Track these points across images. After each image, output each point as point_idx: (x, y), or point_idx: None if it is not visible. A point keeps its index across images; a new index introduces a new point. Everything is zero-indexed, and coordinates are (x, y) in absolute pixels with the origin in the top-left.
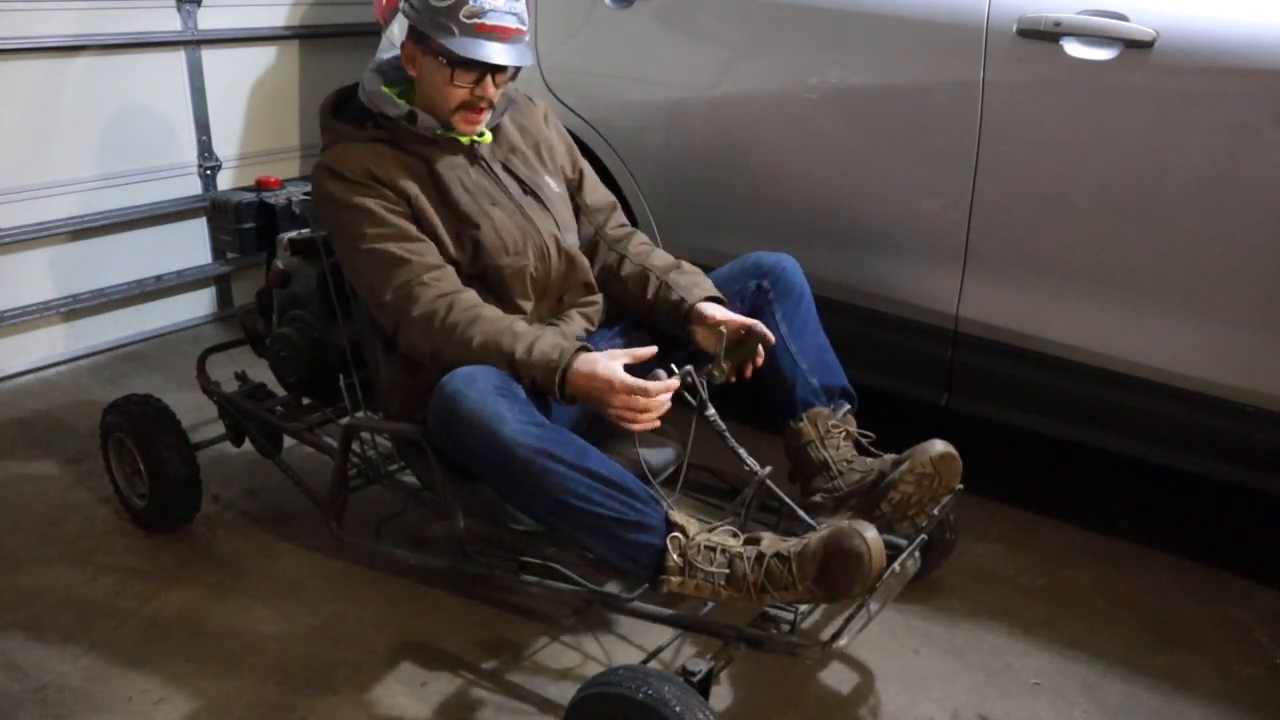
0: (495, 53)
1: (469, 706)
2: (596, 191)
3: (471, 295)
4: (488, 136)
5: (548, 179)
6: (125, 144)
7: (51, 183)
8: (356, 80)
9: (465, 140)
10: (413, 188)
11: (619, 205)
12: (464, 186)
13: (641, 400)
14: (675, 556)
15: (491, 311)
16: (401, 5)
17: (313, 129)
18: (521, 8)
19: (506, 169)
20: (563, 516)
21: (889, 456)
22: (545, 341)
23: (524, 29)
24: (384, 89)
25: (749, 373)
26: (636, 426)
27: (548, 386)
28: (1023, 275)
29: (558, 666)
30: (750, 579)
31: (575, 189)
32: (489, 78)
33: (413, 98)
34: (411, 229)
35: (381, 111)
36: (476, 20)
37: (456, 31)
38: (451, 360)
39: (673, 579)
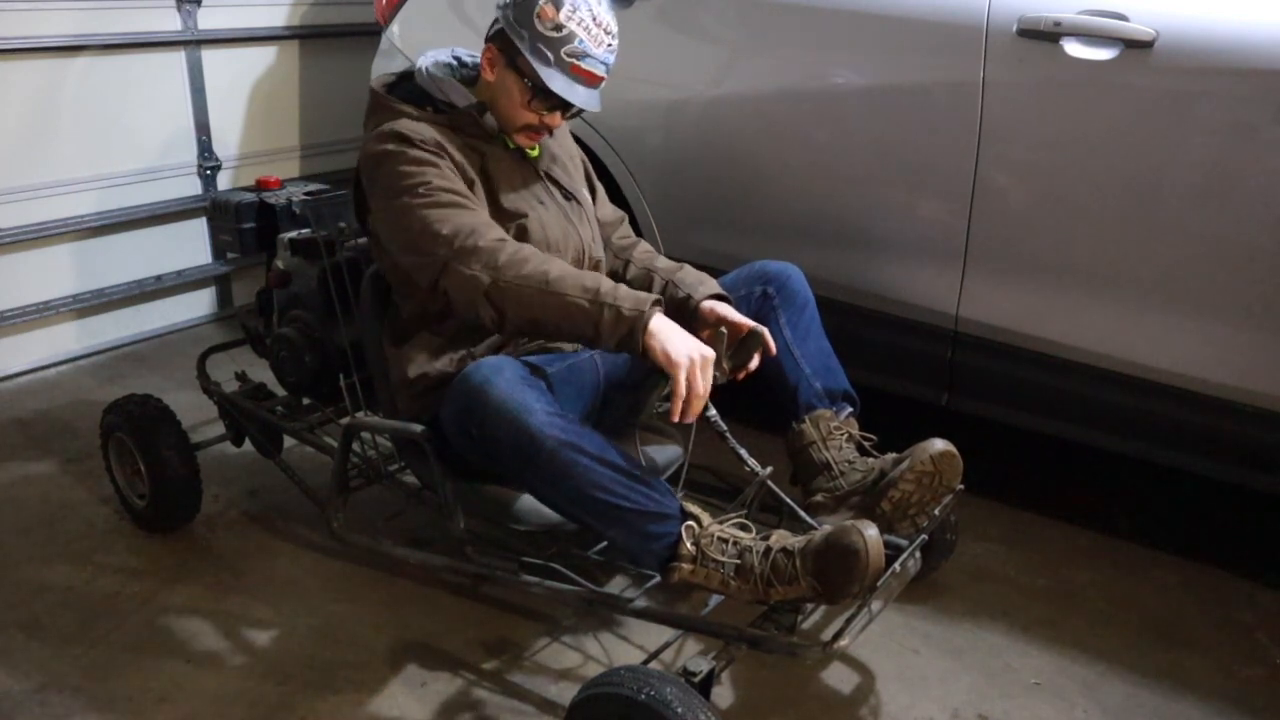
0: (581, 96)
1: (469, 706)
2: (606, 207)
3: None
4: (536, 149)
5: (584, 190)
6: (125, 144)
7: (51, 183)
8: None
9: (513, 145)
10: (470, 172)
11: (626, 218)
12: (511, 184)
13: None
14: (689, 545)
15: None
16: (500, 13)
17: (313, 129)
18: (614, 60)
19: (548, 174)
20: (584, 507)
21: (889, 455)
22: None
23: (607, 77)
24: (451, 79)
25: (743, 375)
26: (693, 406)
27: (634, 316)
28: (1023, 275)
29: (558, 666)
30: (758, 571)
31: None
32: (560, 112)
33: (472, 91)
34: (472, 199)
35: (447, 99)
36: (574, 61)
37: (552, 61)
38: (516, 288)
39: (684, 566)
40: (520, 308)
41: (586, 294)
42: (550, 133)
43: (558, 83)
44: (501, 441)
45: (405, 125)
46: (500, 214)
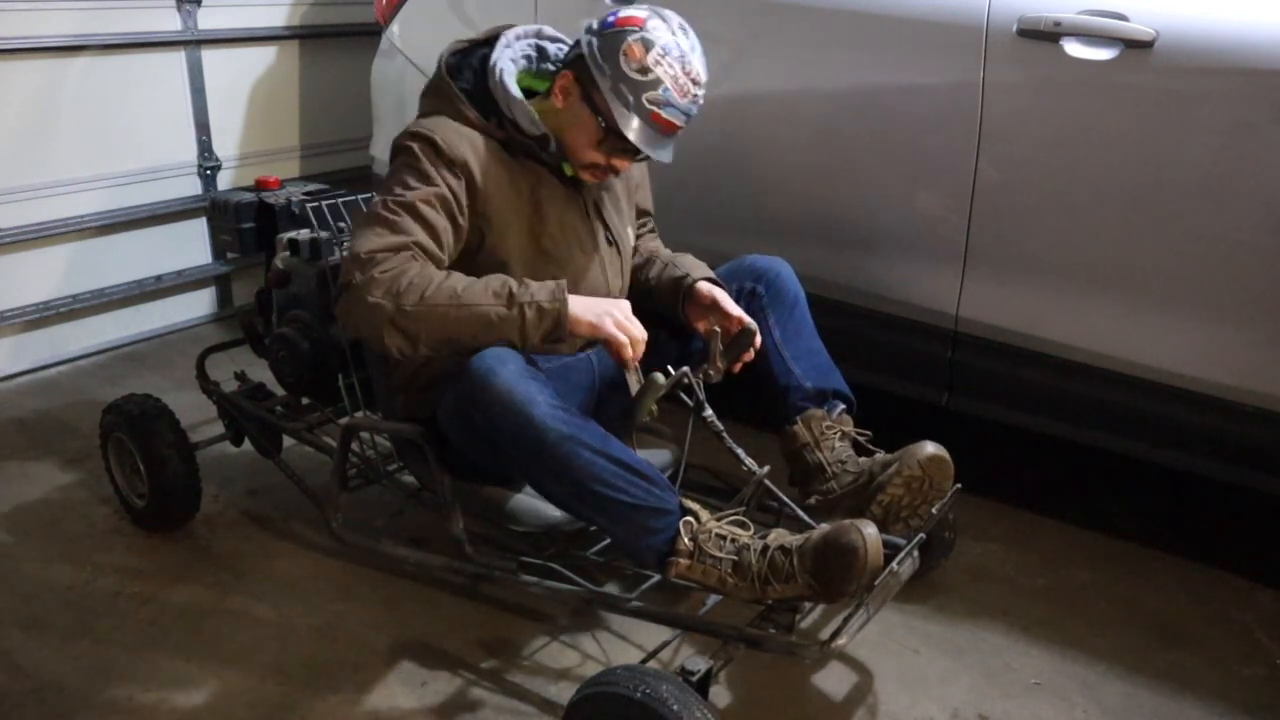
0: (656, 146)
1: (469, 706)
2: (645, 232)
3: None
4: None
5: (629, 230)
6: (125, 144)
7: (51, 183)
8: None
9: (570, 171)
10: (503, 203)
11: (651, 222)
12: (560, 222)
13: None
14: (687, 540)
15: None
16: (584, 40)
17: (313, 129)
18: (696, 113)
19: (598, 211)
20: (584, 500)
21: (880, 456)
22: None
23: (685, 128)
24: (524, 100)
25: (738, 368)
26: (638, 350)
27: (552, 305)
28: (1023, 275)
29: (557, 666)
30: (755, 569)
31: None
32: (630, 157)
33: (541, 110)
34: (447, 236)
35: (512, 117)
36: (655, 109)
37: (632, 106)
38: (424, 311)
39: (682, 562)
40: (432, 329)
41: (500, 299)
42: (616, 174)
43: (635, 129)
44: (504, 432)
45: (448, 132)
46: (539, 255)
